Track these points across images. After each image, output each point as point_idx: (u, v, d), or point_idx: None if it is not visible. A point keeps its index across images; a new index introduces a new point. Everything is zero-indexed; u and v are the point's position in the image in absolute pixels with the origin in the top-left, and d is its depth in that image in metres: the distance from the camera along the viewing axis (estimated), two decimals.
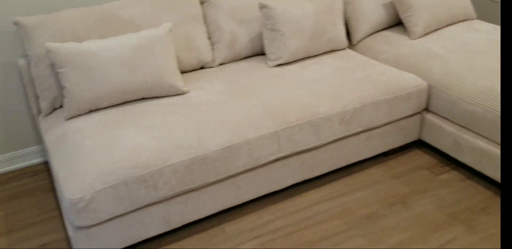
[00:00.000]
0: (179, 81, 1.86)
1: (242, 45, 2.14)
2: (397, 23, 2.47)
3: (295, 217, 1.74)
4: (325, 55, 2.18)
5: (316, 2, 2.10)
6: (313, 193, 1.86)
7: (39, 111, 1.97)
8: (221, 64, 2.16)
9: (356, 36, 2.36)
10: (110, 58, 1.74)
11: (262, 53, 2.25)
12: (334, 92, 1.87)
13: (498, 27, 2.31)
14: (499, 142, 1.77)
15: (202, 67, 2.15)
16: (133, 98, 1.83)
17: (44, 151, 2.20)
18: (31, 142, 2.15)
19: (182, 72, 2.09)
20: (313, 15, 2.07)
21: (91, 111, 1.80)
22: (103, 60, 1.74)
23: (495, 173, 1.82)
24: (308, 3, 2.09)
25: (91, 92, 1.74)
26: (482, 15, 3.02)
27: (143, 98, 1.86)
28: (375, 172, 2.00)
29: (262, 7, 2.03)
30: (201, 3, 2.13)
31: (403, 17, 2.29)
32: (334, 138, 1.86)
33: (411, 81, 1.98)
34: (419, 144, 2.20)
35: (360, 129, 1.91)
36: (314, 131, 1.80)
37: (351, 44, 2.41)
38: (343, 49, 2.26)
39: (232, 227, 1.70)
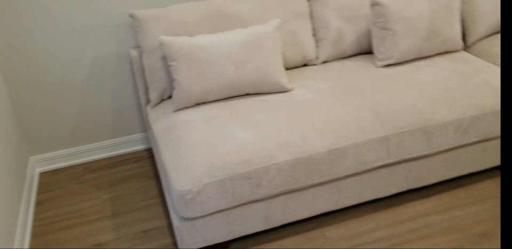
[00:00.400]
0: (283, 78, 1.83)
1: (348, 43, 2.06)
2: None
3: (399, 228, 1.65)
4: (438, 57, 2.03)
5: (433, 1, 1.96)
6: (419, 204, 1.75)
7: (148, 101, 2.04)
8: (324, 62, 2.10)
9: (472, 37, 2.18)
10: (220, 54, 1.75)
11: (368, 52, 2.15)
12: (451, 98, 1.73)
13: None
14: None
15: (304, 65, 2.10)
16: (238, 94, 1.83)
17: (147, 139, 2.30)
18: (136, 129, 2.26)
19: (285, 69, 2.06)
20: (428, 14, 1.93)
21: (197, 104, 1.83)
22: (213, 55, 1.75)
23: None
24: (424, 1, 1.95)
25: (200, 86, 1.76)
26: None
27: (247, 94, 1.86)
28: (488, 186, 1.84)
29: (374, 4, 1.93)
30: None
31: None
32: (446, 147, 1.73)
33: None
34: None
35: (476, 139, 1.76)
36: (426, 138, 1.68)
37: (465, 46, 2.23)
38: (458, 51, 2.10)
39: (332, 232, 1.65)
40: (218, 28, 1.92)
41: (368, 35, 2.07)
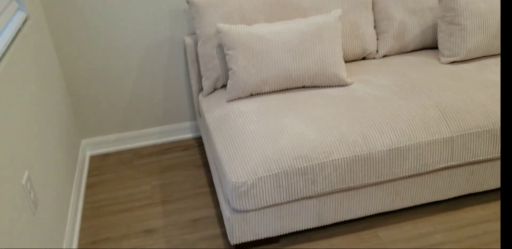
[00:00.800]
0: (343, 71, 1.76)
1: (411, 37, 1.97)
2: None
3: (458, 233, 1.57)
4: None
5: None
6: (479, 209, 1.67)
7: (200, 90, 2.02)
8: (385, 56, 2.01)
9: None
10: (278, 43, 1.70)
11: (431, 47, 2.05)
12: None
13: None
14: None
15: (363, 58, 2.02)
16: (294, 86, 1.78)
17: (196, 127, 2.29)
18: (186, 117, 2.25)
19: (345, 62, 1.99)
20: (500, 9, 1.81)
21: (252, 95, 1.79)
22: (271, 45, 1.70)
23: None
24: None
25: (256, 77, 1.72)
26: None
27: (303, 87, 1.81)
28: None
29: None
30: None
31: None
32: None
33: None
34: None
35: None
36: (493, 141, 1.59)
37: None
38: None
39: (386, 233, 1.59)
40: (276, 16, 1.86)
41: (433, 30, 1.96)
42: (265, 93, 1.79)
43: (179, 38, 2.06)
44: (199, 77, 2.00)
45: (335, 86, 1.79)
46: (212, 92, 1.93)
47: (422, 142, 1.52)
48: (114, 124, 2.18)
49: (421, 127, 1.54)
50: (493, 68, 1.81)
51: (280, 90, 1.80)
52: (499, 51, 1.89)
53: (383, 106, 1.62)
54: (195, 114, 2.25)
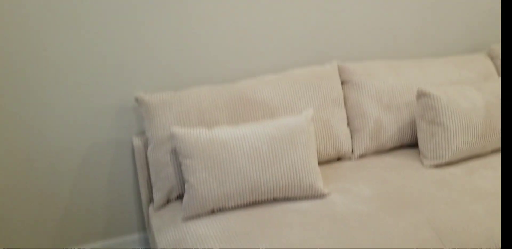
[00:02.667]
0: (319, 181, 1.52)
1: (388, 135, 1.79)
2: None
3: None
4: (494, 156, 1.76)
5: (487, 92, 1.73)
6: None
7: (150, 201, 1.70)
8: (361, 156, 1.81)
9: None
10: (244, 151, 1.45)
11: (409, 145, 1.87)
12: None
13: None
14: None
15: (338, 158, 1.81)
16: (263, 199, 1.51)
17: (146, 240, 1.92)
18: (134, 228, 1.88)
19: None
20: (484, 108, 1.68)
21: (213, 211, 1.50)
22: (235, 153, 1.45)
23: None
24: (477, 92, 1.71)
25: (218, 190, 1.44)
26: None
27: (274, 199, 1.54)
28: None
29: (422, 94, 1.68)
30: (342, 83, 1.84)
31: None
32: None
33: None
34: None
35: None
36: None
37: None
38: None
39: None
40: (240, 116, 1.64)
41: (411, 127, 1.80)
42: (229, 208, 1.50)
43: (127, 138, 1.77)
44: (150, 185, 1.69)
45: (310, 198, 1.53)
46: (165, 205, 1.61)
47: None
48: (45, 240, 1.78)
49: None
50: (482, 173, 1.63)
51: (246, 205, 1.52)
52: (483, 152, 1.74)
53: (370, 226, 1.36)
54: (145, 224, 1.90)
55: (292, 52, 1.88)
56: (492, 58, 2.03)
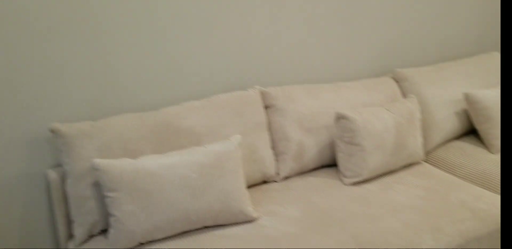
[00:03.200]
0: (249, 206, 1.54)
1: (310, 156, 1.87)
2: (468, 132, 2.26)
3: None
4: (404, 171, 1.91)
5: (396, 113, 1.88)
6: None
7: (70, 237, 1.59)
8: (285, 178, 1.86)
9: (428, 146, 2.12)
10: (173, 180, 1.43)
11: (329, 165, 1.97)
12: (434, 224, 1.56)
13: None
14: None
15: (264, 181, 1.84)
16: (193, 228, 1.49)
17: None
18: None
19: None
20: (394, 127, 1.83)
21: (141, 244, 1.44)
22: (163, 182, 1.42)
23: None
24: (388, 114, 1.86)
25: (146, 223, 1.40)
26: None
27: (205, 227, 1.52)
28: None
29: (340, 117, 1.79)
30: (265, 107, 1.89)
31: (480, 128, 2.08)
32: None
33: None
34: None
35: None
36: None
37: None
38: (419, 162, 2.01)
39: None
40: (166, 145, 1.61)
41: (330, 148, 1.90)
42: (158, 240, 1.45)
43: (40, 172, 1.64)
44: (69, 221, 1.58)
45: (241, 223, 1.54)
46: (87, 240, 1.52)
47: None
48: None
49: None
50: (395, 188, 1.76)
51: (176, 235, 1.48)
52: (395, 168, 1.88)
53: (299, 246, 1.40)
54: None
55: (214, 78, 1.91)
56: (396, 81, 2.23)
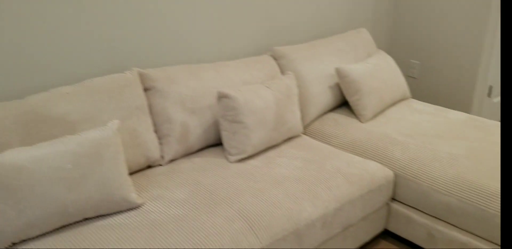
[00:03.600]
0: (132, 192, 1.50)
1: (195, 137, 1.87)
2: (342, 104, 2.45)
3: None
4: (285, 145, 2.01)
5: (275, 89, 1.96)
6: None
7: None
8: (171, 161, 1.85)
9: (306, 120, 2.26)
10: (44, 173, 1.33)
11: (214, 144, 1.99)
12: (312, 192, 1.68)
13: (435, 107, 2.41)
14: (479, 234, 1.74)
15: (149, 166, 1.81)
16: (73, 221, 1.42)
17: None
18: None
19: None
20: (274, 103, 1.91)
21: (14, 244, 1.33)
22: (35, 176, 1.32)
23: None
24: (268, 90, 1.93)
25: (18, 221, 1.29)
26: None
27: (85, 219, 1.46)
28: None
29: (222, 96, 1.81)
30: (145, 90, 1.84)
31: (351, 100, 2.26)
32: (316, 245, 1.65)
33: (379, 171, 1.89)
34: (385, 234, 2.10)
35: (339, 230, 1.74)
36: (298, 241, 1.57)
37: None
38: (299, 135, 2.13)
39: None
40: (35, 137, 1.49)
41: (215, 127, 1.92)
42: (33, 238, 1.36)
43: None
44: None
45: (125, 211, 1.50)
46: None
47: None
48: None
49: (233, 245, 1.40)
50: (278, 161, 1.86)
51: (55, 230, 1.40)
52: (277, 143, 1.97)
53: (187, 228, 1.42)
54: None
55: (87, 60, 1.79)
56: (275, 59, 2.31)
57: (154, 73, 1.86)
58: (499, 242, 1.68)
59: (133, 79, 1.80)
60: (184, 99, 1.86)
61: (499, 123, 2.23)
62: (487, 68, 2.87)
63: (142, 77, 1.84)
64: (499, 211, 1.66)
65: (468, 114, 2.35)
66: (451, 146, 1.98)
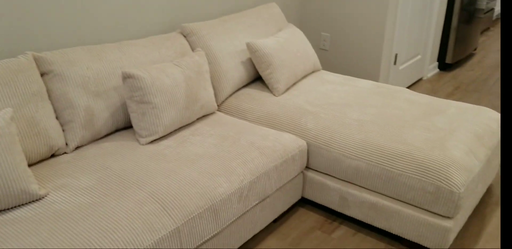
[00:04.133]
0: (32, 183, 1.41)
1: (102, 122, 1.79)
2: (255, 79, 2.46)
3: None
4: (199, 123, 1.99)
5: (185, 67, 1.91)
6: None
7: None
8: (77, 148, 1.76)
9: (220, 96, 2.24)
10: None
11: (125, 128, 1.93)
12: (227, 167, 1.69)
13: (344, 77, 2.50)
14: (386, 194, 1.85)
15: (53, 155, 1.71)
16: None
17: None
18: None
19: (29, 165, 1.63)
20: (184, 81, 1.87)
21: None
22: None
23: (385, 224, 1.89)
24: (176, 68, 1.88)
25: None
26: None
27: None
28: (271, 243, 1.88)
29: (127, 77, 1.74)
30: (42, 74, 1.72)
31: (263, 74, 2.28)
32: (233, 219, 1.67)
33: (292, 142, 1.94)
34: (302, 202, 2.19)
35: (256, 202, 1.77)
36: (215, 217, 1.58)
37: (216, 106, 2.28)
38: (213, 112, 2.11)
39: None
40: None
41: (123, 110, 1.85)
42: None
43: None
44: None
45: (27, 204, 1.42)
46: None
47: (148, 245, 1.36)
48: None
49: (145, 228, 1.38)
50: (191, 140, 1.84)
51: None
52: (190, 121, 1.94)
53: (95, 215, 1.37)
54: None
55: None
56: (185, 36, 2.25)
57: (51, 56, 1.74)
58: (404, 199, 1.80)
59: (27, 63, 1.67)
60: (86, 82, 1.77)
61: (403, 88, 2.36)
62: (392, 38, 3.01)
63: (38, 61, 1.72)
64: (403, 170, 1.77)
65: (374, 82, 2.46)
66: (359, 113, 2.07)
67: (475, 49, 4.37)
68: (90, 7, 1.97)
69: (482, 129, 1.99)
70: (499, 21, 5.66)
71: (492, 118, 2.11)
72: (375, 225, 1.93)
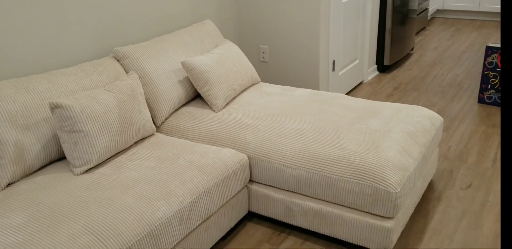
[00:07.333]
0: None
1: (33, 155, 1.75)
2: (195, 96, 2.46)
3: None
4: (137, 146, 1.97)
5: (117, 91, 1.90)
6: None
7: None
8: (9, 185, 1.71)
9: (159, 117, 2.24)
10: None
11: (59, 159, 1.89)
12: (165, 189, 1.68)
13: (283, 87, 2.54)
14: (328, 200, 1.89)
15: None
16: None
17: None
18: None
19: None
20: (117, 106, 1.85)
21: None
22: None
23: (330, 231, 1.92)
24: (108, 94, 1.86)
25: None
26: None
27: None
28: None
29: (55, 107, 1.71)
30: None
31: (201, 91, 2.29)
32: (176, 242, 1.66)
33: (232, 157, 1.95)
34: (250, 216, 2.19)
35: (199, 222, 1.77)
36: (155, 242, 1.56)
37: (156, 127, 2.27)
38: (152, 134, 2.10)
39: None
40: None
41: (55, 141, 1.82)
42: None
43: None
44: None
45: None
46: None
47: None
48: None
49: None
50: (128, 165, 1.82)
51: None
52: (127, 145, 1.93)
53: None
54: None
55: None
56: (118, 60, 2.24)
57: None
58: (345, 203, 1.84)
59: None
60: (14, 116, 1.73)
61: (339, 94, 2.43)
62: (327, 45, 3.09)
63: None
64: (341, 175, 1.81)
65: (312, 90, 2.51)
66: (297, 122, 2.10)
67: (412, 49, 4.54)
68: (10, 37, 1.93)
69: (415, 127, 2.07)
70: (435, 20, 5.91)
71: (424, 116, 2.19)
72: (321, 232, 1.95)
